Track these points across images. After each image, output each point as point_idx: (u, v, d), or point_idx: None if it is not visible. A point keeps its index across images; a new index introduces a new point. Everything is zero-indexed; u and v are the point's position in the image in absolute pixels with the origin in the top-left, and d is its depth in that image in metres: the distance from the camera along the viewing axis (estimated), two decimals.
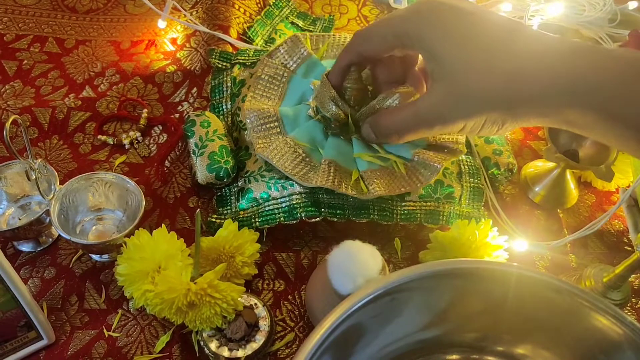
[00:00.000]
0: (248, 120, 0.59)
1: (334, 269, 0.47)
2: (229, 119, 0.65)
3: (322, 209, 0.56)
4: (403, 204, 0.57)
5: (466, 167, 0.62)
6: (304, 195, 0.56)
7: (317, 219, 0.56)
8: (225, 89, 0.67)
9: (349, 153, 0.57)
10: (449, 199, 0.58)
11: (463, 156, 0.62)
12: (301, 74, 0.62)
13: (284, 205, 0.56)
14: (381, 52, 0.49)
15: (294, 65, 0.63)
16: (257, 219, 0.57)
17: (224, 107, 0.66)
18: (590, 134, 0.42)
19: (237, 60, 0.68)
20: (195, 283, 0.48)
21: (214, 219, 0.58)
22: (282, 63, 0.63)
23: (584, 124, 0.40)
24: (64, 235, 0.51)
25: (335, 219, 0.56)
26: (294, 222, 0.56)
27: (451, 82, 0.44)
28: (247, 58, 0.68)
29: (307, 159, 0.57)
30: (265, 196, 0.57)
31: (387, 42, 0.47)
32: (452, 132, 0.47)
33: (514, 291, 0.41)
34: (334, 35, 0.67)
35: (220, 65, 0.69)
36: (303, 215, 0.56)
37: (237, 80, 0.66)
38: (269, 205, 0.57)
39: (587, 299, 0.39)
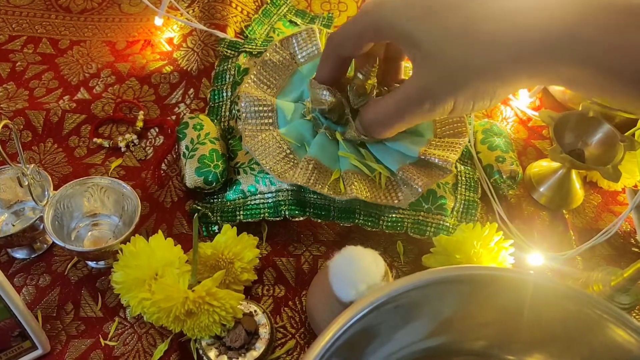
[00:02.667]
0: (242, 104, 0.57)
1: (335, 275, 0.46)
2: (227, 106, 0.64)
3: (308, 209, 0.55)
4: (391, 210, 0.56)
5: (463, 178, 0.60)
6: (290, 192, 0.55)
7: (302, 219, 0.55)
8: (228, 76, 0.66)
9: (333, 152, 0.55)
10: (440, 210, 0.57)
11: (462, 167, 0.61)
12: (307, 70, 0.61)
13: (269, 200, 0.55)
14: (358, 49, 0.48)
15: (302, 60, 0.62)
16: (241, 212, 0.56)
17: (224, 94, 0.65)
18: (587, 90, 0.39)
19: (244, 49, 0.67)
20: (193, 291, 0.47)
21: (199, 207, 0.57)
22: (291, 54, 0.62)
23: (581, 80, 0.37)
24: (58, 242, 0.50)
25: (320, 220, 0.55)
26: (278, 218, 0.55)
27: (432, 60, 0.41)
28: (254, 47, 0.67)
29: (291, 156, 0.55)
30: (252, 189, 0.56)
31: (361, 39, 0.46)
32: (444, 113, 0.44)
33: (525, 299, 0.39)
34: None
35: (227, 54, 0.68)
36: (287, 213, 0.55)
37: (241, 69, 0.65)
38: (255, 200, 0.56)
39: (605, 310, 0.38)
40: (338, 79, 0.52)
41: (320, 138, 0.56)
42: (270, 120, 0.58)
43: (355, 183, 0.53)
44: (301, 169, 0.54)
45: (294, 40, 0.62)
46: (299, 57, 0.62)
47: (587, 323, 0.38)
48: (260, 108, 0.58)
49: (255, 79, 0.60)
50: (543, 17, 0.37)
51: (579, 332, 0.39)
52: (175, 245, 0.50)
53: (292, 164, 0.55)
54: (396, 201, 0.54)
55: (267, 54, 0.61)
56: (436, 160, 0.54)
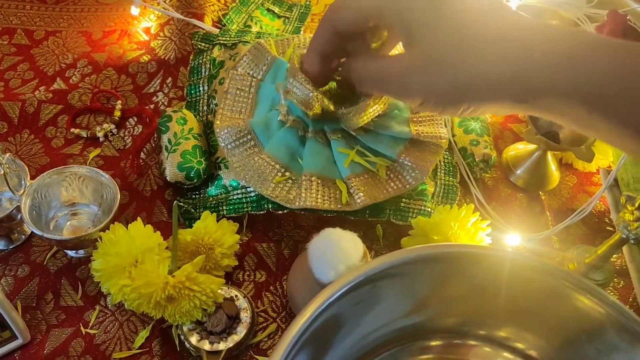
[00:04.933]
0: (220, 139, 0.56)
1: (314, 257, 0.46)
2: (205, 100, 0.63)
3: None
4: None
5: (442, 163, 0.61)
6: None
7: (285, 211, 0.55)
8: (204, 70, 0.65)
9: (328, 156, 0.55)
10: (421, 196, 0.57)
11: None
12: (270, 80, 0.60)
13: (252, 194, 0.56)
14: (357, 23, 0.44)
15: (261, 73, 0.60)
16: (224, 207, 0.56)
17: (201, 88, 0.64)
18: (579, 126, 0.36)
19: (218, 41, 0.67)
20: (173, 276, 0.47)
21: (181, 203, 0.57)
22: (249, 73, 0.60)
23: (573, 117, 0.35)
24: (36, 231, 0.50)
25: (303, 212, 0.55)
26: (262, 212, 0.55)
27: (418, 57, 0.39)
28: (228, 39, 0.67)
29: (287, 174, 0.54)
30: (234, 184, 0.56)
31: (363, 12, 0.43)
32: (412, 105, 0.45)
33: (494, 274, 0.40)
34: (298, 36, 0.65)
35: (201, 47, 0.68)
36: (270, 207, 0.55)
37: (216, 62, 0.65)
38: (237, 194, 0.56)
39: (569, 280, 0.39)
40: (327, 58, 0.48)
41: (311, 145, 0.55)
42: (253, 143, 0.56)
43: (362, 188, 0.53)
44: (305, 189, 0.53)
45: (245, 60, 0.60)
46: (257, 71, 0.60)
47: (553, 293, 0.39)
48: (238, 135, 0.56)
49: (225, 112, 0.59)
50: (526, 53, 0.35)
51: (545, 303, 0.40)
52: (154, 232, 0.50)
53: (291, 182, 0.54)
54: (407, 186, 0.55)
55: (226, 85, 0.59)
56: (429, 138, 0.56)
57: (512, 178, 0.65)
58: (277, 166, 0.54)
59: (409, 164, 0.55)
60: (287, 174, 0.54)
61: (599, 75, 0.33)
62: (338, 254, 0.46)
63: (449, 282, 0.42)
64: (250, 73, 0.60)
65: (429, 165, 0.55)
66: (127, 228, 0.50)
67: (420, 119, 0.58)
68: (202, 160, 0.57)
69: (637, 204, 0.47)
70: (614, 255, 0.59)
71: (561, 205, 0.64)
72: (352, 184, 0.54)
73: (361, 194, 0.53)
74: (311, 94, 0.49)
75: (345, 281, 0.40)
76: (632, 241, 0.49)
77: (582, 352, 0.40)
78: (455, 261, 0.42)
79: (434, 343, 0.44)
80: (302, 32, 0.75)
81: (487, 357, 0.43)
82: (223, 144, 0.56)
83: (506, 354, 0.43)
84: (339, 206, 0.53)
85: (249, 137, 0.56)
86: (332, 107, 0.51)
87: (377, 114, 0.52)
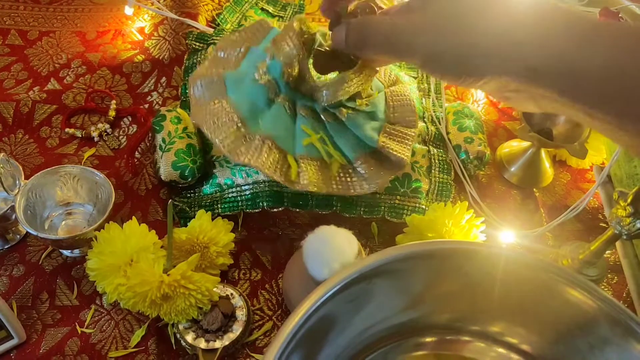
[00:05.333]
0: (194, 89, 0.54)
1: (309, 255, 0.46)
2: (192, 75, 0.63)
3: (285, 200, 0.55)
4: (367, 197, 0.56)
5: (437, 161, 0.61)
6: (267, 184, 0.55)
7: (280, 209, 0.55)
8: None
9: (290, 127, 0.53)
10: (416, 193, 0.57)
11: (435, 150, 0.62)
12: (262, 47, 0.57)
13: (247, 193, 0.56)
14: None
15: (257, 41, 0.58)
16: (219, 205, 0.56)
17: None
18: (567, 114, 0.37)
19: (212, 41, 0.67)
20: (168, 275, 0.47)
21: (177, 202, 0.57)
22: (244, 39, 0.59)
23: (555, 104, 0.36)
24: (30, 230, 0.50)
25: (298, 210, 0.55)
26: (257, 210, 0.55)
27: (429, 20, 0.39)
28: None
29: (243, 130, 0.51)
30: (229, 182, 0.56)
31: None
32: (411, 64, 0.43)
33: (488, 270, 0.40)
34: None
35: (196, 47, 0.68)
36: (265, 204, 0.55)
37: None
38: (232, 192, 0.56)
39: (561, 274, 0.39)
40: None
41: (276, 110, 0.53)
42: (220, 93, 0.54)
43: (310, 171, 0.52)
44: (255, 149, 0.51)
45: (245, 30, 0.59)
46: (253, 40, 0.58)
47: (544, 288, 0.39)
48: (210, 85, 0.54)
49: (210, 66, 0.57)
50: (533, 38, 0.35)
51: (537, 298, 0.40)
52: (149, 231, 0.51)
53: (244, 138, 0.51)
54: (352, 191, 0.53)
55: (219, 44, 0.58)
56: (392, 155, 0.54)
57: (506, 175, 0.65)
58: (235, 117, 0.51)
59: (362, 173, 0.53)
60: (243, 128, 0.51)
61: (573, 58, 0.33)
62: (333, 251, 0.46)
63: (442, 279, 0.43)
64: (244, 39, 0.58)
65: (380, 182, 0.54)
66: (122, 227, 0.50)
67: (393, 132, 0.56)
68: (196, 158, 0.57)
69: (629, 200, 0.48)
70: (608, 252, 0.60)
71: (555, 202, 0.64)
72: (302, 165, 0.52)
73: (306, 177, 0.51)
74: (295, 51, 0.49)
75: (340, 278, 0.40)
76: (624, 237, 0.49)
77: (575, 346, 0.40)
78: (449, 257, 0.42)
79: (428, 339, 0.44)
80: None
81: (481, 352, 0.43)
82: (195, 94, 0.54)
83: (499, 349, 0.43)
84: (283, 179, 0.51)
85: (218, 86, 0.54)
86: (312, 72, 0.50)
87: (353, 92, 0.51)
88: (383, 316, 0.43)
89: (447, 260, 0.42)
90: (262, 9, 0.77)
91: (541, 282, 0.39)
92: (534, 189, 0.65)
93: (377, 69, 0.53)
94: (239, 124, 0.51)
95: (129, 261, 0.48)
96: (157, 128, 0.59)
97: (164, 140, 0.58)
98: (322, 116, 0.54)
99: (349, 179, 0.54)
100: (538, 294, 0.40)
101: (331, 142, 0.54)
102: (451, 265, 0.42)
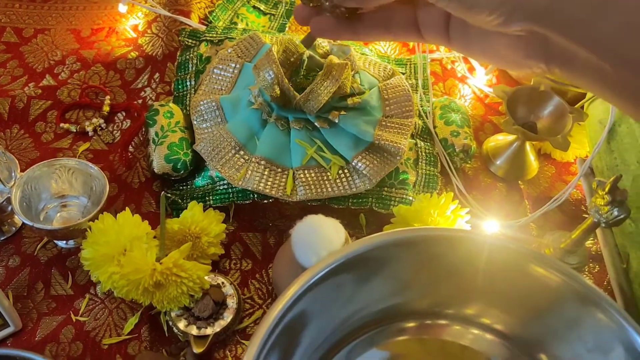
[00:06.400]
0: (195, 118, 0.59)
1: (298, 243, 0.48)
2: (192, 95, 0.65)
3: None
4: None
5: (423, 154, 0.63)
6: None
7: (270, 200, 0.56)
8: (191, 65, 0.67)
9: (285, 144, 0.57)
10: (403, 185, 0.59)
11: (422, 142, 0.64)
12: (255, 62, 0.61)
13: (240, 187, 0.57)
14: None
15: (250, 57, 0.63)
16: (211, 197, 0.58)
17: (188, 83, 0.66)
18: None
19: (204, 38, 0.69)
20: (160, 263, 0.49)
21: (169, 194, 0.58)
22: (237, 55, 0.63)
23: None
24: (26, 221, 0.51)
25: (287, 201, 0.56)
26: (247, 202, 0.56)
27: None
28: (215, 35, 0.69)
29: (241, 152, 0.56)
30: (220, 175, 0.57)
31: None
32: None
33: (465, 255, 0.42)
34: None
35: (188, 43, 0.69)
36: (255, 196, 0.56)
37: (203, 57, 0.67)
38: (223, 184, 0.58)
39: (525, 252, 0.41)
40: None
41: (269, 130, 0.57)
42: (219, 120, 0.59)
43: (307, 182, 0.55)
44: (252, 171, 0.55)
45: (238, 45, 0.64)
46: (246, 55, 0.63)
47: (513, 267, 0.41)
48: (208, 109, 0.59)
49: (205, 88, 0.62)
50: None
51: (507, 278, 0.42)
52: (142, 222, 0.52)
53: (242, 161, 0.56)
54: (354, 189, 0.56)
55: (213, 63, 0.63)
56: (388, 146, 0.57)
57: (492, 168, 0.67)
58: (233, 143, 0.56)
59: (361, 168, 0.56)
60: (242, 152, 0.56)
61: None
62: (320, 239, 0.47)
63: (425, 265, 0.44)
64: (239, 55, 0.62)
65: (379, 174, 0.56)
66: (115, 218, 0.51)
67: (389, 124, 0.59)
68: (188, 152, 0.59)
69: (607, 189, 0.49)
70: (590, 241, 0.61)
71: (539, 193, 0.65)
72: (300, 177, 0.56)
73: (303, 188, 0.55)
74: (270, 78, 0.53)
75: (326, 264, 0.42)
76: (603, 224, 0.51)
77: (547, 324, 0.41)
78: (431, 244, 0.44)
79: (410, 324, 0.46)
80: (287, 28, 0.76)
81: (458, 335, 0.45)
82: (195, 123, 0.59)
83: (475, 331, 0.45)
84: (280, 194, 0.55)
85: (217, 112, 0.59)
86: (293, 91, 0.54)
87: (331, 92, 0.54)
88: (367, 302, 0.45)
89: (430, 247, 0.44)
90: (254, 7, 0.79)
91: (511, 262, 0.41)
92: (519, 182, 0.66)
93: (347, 62, 0.55)
94: (237, 148, 0.57)
95: (123, 251, 0.50)
96: (150, 122, 0.60)
97: (156, 134, 0.59)
98: (316, 124, 0.57)
99: (349, 178, 0.57)
100: (507, 274, 0.42)
101: (328, 147, 0.57)
102: (434, 251, 0.44)
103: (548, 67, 0.30)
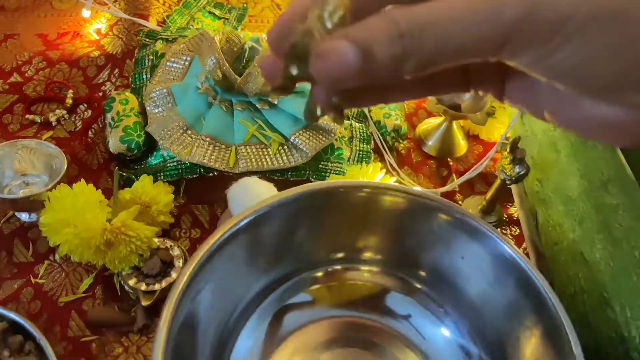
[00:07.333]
0: (149, 105, 0.66)
1: (232, 201, 0.53)
2: (147, 87, 0.71)
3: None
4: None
5: (357, 133, 0.70)
6: None
7: (216, 174, 0.62)
8: (147, 61, 0.73)
9: (228, 124, 0.63)
10: (338, 159, 0.65)
11: (356, 124, 0.71)
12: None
13: (186, 162, 0.63)
14: None
15: (200, 51, 0.70)
16: (162, 174, 0.63)
17: (144, 76, 0.72)
18: None
19: (160, 36, 0.75)
20: (111, 224, 0.54)
21: (124, 173, 0.64)
22: (189, 49, 0.70)
23: None
24: None
25: (231, 174, 0.62)
26: (195, 176, 0.62)
27: None
28: (169, 34, 0.76)
29: (189, 132, 0.63)
30: (171, 156, 0.63)
31: None
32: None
33: (352, 203, 0.48)
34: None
35: (145, 42, 0.76)
36: (202, 170, 0.62)
37: (158, 54, 0.73)
38: (173, 162, 0.63)
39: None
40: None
41: (214, 111, 0.64)
42: (170, 105, 0.66)
43: (248, 157, 0.62)
44: (198, 147, 0.61)
45: (190, 41, 0.71)
46: (197, 49, 0.70)
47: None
48: (158, 94, 0.66)
49: (159, 79, 0.69)
50: None
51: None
52: (97, 190, 0.57)
53: (190, 139, 0.63)
54: (288, 164, 0.63)
55: (167, 56, 0.70)
56: (323, 124, 0.64)
57: (424, 149, 0.73)
58: (181, 124, 0.63)
59: (299, 144, 0.63)
60: (189, 132, 0.63)
61: None
62: (253, 198, 0.53)
63: (325, 215, 0.49)
64: (189, 49, 0.69)
65: (315, 149, 0.63)
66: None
67: None
68: (141, 133, 0.65)
69: (508, 148, 0.56)
70: (513, 208, 0.68)
71: (467, 169, 0.72)
72: (241, 151, 0.62)
73: (245, 161, 0.61)
74: (213, 64, 0.60)
75: (244, 215, 0.47)
76: (508, 182, 0.57)
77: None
78: (332, 195, 0.49)
79: (318, 274, 0.51)
80: (239, 30, 0.83)
81: (357, 277, 0.51)
82: (149, 108, 0.65)
83: (365, 268, 0.51)
84: (224, 167, 0.61)
85: (168, 98, 0.65)
86: (234, 75, 0.61)
87: None
88: (280, 254, 0.50)
89: (331, 197, 0.49)
90: (209, 12, 0.86)
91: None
92: (449, 159, 0.73)
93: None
94: (185, 128, 0.63)
95: (78, 217, 0.55)
96: (107, 108, 0.66)
97: (113, 118, 0.65)
98: (258, 105, 0.63)
99: (288, 154, 0.63)
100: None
101: (268, 126, 0.63)
102: (334, 201, 0.49)
103: None
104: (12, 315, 0.50)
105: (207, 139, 0.62)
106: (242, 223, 0.46)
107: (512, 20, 0.19)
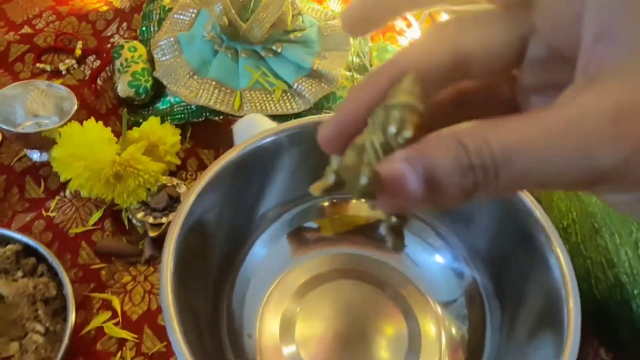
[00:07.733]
0: (157, 52, 0.68)
1: (238, 135, 0.56)
2: (154, 39, 0.73)
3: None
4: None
5: (360, 80, 0.72)
6: None
7: (221, 118, 0.64)
8: (155, 15, 0.75)
9: (234, 70, 0.65)
10: None
11: (358, 76, 0.72)
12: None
13: (193, 106, 0.65)
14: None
15: (207, 4, 0.72)
16: (169, 118, 0.65)
17: (152, 29, 0.74)
18: None
19: None
20: (120, 157, 0.56)
21: (132, 118, 0.66)
22: (195, 2, 0.72)
23: None
24: (5, 127, 0.58)
25: (235, 117, 0.64)
26: (201, 119, 0.65)
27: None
28: None
29: (195, 77, 0.65)
30: (178, 100, 0.65)
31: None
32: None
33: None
34: None
35: None
36: (207, 113, 0.64)
37: (165, 8, 0.75)
38: (180, 107, 0.65)
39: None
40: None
41: (220, 57, 0.66)
42: (177, 52, 0.68)
43: (252, 101, 0.64)
44: (203, 89, 0.64)
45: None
46: (203, 4, 0.72)
47: None
48: (165, 43, 0.68)
49: (166, 30, 0.71)
50: None
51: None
52: (106, 128, 0.59)
53: (196, 84, 0.65)
54: (291, 110, 0.64)
55: (175, 9, 0.72)
56: (326, 72, 0.65)
57: None
58: (188, 69, 0.65)
59: (302, 90, 0.65)
60: (195, 76, 0.65)
61: None
62: (258, 131, 0.55)
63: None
64: (196, 2, 0.71)
65: (317, 96, 0.65)
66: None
67: (326, 55, 0.68)
68: (149, 79, 0.67)
69: None
70: None
71: None
72: (246, 96, 0.64)
73: (249, 105, 0.64)
74: (219, 11, 0.63)
75: (252, 141, 0.49)
76: None
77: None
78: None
79: (325, 204, 0.54)
80: None
81: (356, 208, 0.53)
82: (156, 56, 0.67)
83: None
84: (229, 110, 0.63)
85: (175, 46, 0.68)
86: (239, 22, 0.63)
87: (272, 21, 0.63)
88: (294, 177, 0.52)
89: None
90: None
91: None
92: None
93: None
94: (192, 73, 0.65)
95: (88, 151, 0.57)
96: (116, 55, 0.68)
97: (121, 64, 0.67)
98: (262, 54, 0.65)
99: (291, 100, 0.65)
100: None
101: (272, 73, 0.65)
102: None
103: None
104: (26, 239, 0.53)
105: (213, 83, 0.64)
106: (262, 142, 0.48)
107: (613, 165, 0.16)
